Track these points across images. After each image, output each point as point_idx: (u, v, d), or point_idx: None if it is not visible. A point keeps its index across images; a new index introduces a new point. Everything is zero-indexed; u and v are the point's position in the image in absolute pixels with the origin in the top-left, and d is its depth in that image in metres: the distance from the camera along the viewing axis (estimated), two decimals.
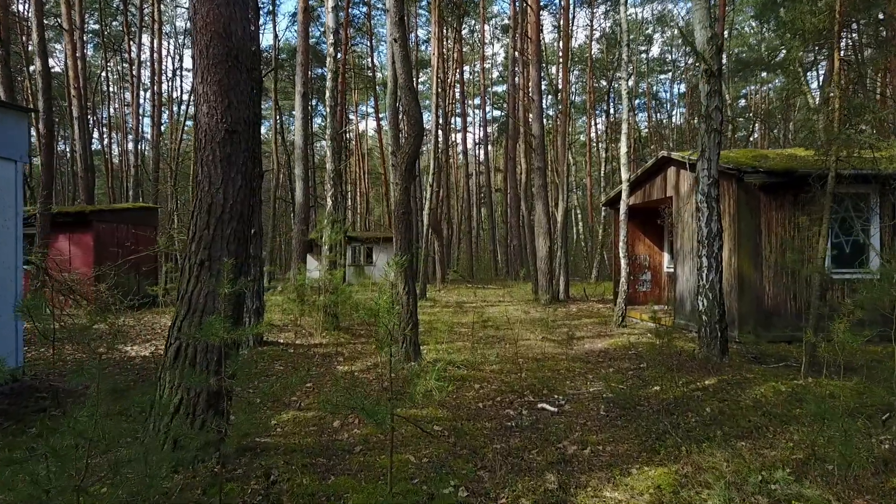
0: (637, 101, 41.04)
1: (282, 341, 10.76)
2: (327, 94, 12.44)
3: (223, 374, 3.62)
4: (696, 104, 40.09)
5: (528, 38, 19.33)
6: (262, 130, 56.25)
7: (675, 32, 42.93)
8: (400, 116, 11.46)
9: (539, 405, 6.52)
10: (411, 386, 3.52)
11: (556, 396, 6.86)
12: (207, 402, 4.17)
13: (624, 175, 12.92)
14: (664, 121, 48.37)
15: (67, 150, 41.01)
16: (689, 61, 43.63)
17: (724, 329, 8.06)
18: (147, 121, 43.85)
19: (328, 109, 12.55)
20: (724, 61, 8.06)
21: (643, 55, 43.36)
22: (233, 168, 4.33)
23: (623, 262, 13.21)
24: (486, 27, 44.82)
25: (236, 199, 4.34)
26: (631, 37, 13.36)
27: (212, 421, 3.99)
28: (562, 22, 26.98)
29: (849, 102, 6.84)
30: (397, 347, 8.58)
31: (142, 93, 39.66)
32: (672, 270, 14.30)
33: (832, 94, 6.86)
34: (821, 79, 30.60)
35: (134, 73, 33.10)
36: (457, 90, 39.89)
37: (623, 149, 13.24)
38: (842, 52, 8.36)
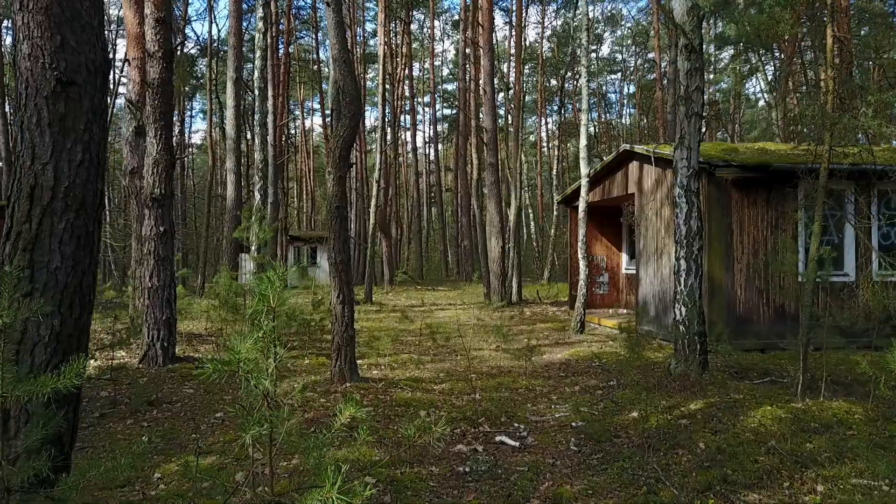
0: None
1: (199, 356, 9.32)
2: (256, 73, 10.96)
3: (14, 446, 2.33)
4: (646, 104, 40.13)
5: (481, 26, 18.31)
6: (203, 126, 53.27)
7: (626, 32, 42.89)
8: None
9: (497, 438, 5.42)
10: (316, 469, 2.29)
11: (516, 425, 5.77)
12: (35, 477, 2.84)
13: (583, 170, 11.99)
14: (613, 121, 48.40)
15: None
16: (639, 61, 43.71)
17: (705, 341, 7.17)
18: None
19: (257, 92, 11.07)
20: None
21: (593, 54, 43.09)
22: (69, 136, 3.02)
23: (582, 263, 12.26)
24: (437, 23, 43.82)
25: (74, 179, 3.03)
26: (585, 25, 12.46)
27: None
28: (514, 12, 26.18)
29: (844, 85, 6.01)
30: (329, 365, 7.34)
31: None
32: (633, 272, 13.49)
33: (826, 76, 6.01)
34: (767, 82, 30.84)
35: None
36: (405, 87, 38.66)
37: (583, 141, 12.31)
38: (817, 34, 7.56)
